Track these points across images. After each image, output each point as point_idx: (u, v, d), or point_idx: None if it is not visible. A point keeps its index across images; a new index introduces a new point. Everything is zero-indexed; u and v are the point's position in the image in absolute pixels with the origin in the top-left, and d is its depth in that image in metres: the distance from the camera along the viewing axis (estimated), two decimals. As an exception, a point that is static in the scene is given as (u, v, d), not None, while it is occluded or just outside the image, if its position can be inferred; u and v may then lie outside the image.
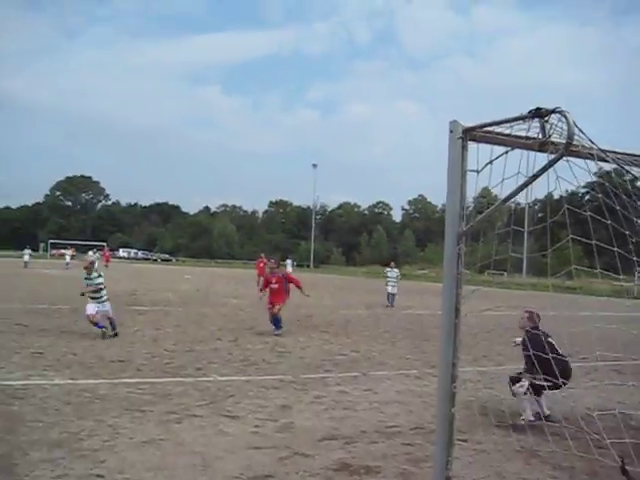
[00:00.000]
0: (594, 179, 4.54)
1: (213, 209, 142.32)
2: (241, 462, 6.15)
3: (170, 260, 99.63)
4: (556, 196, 5.43)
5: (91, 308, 13.96)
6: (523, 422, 7.78)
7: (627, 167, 3.95)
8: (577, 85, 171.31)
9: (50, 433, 6.77)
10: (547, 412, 8.20)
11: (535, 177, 3.43)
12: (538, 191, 3.72)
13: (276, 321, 15.82)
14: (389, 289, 27.75)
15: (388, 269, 29.41)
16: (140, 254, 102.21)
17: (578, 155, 3.51)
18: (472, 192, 4.01)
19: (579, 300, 31.24)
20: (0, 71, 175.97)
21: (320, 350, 13.58)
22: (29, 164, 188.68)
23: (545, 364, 6.85)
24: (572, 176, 3.64)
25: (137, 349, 12.34)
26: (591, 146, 3.49)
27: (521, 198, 3.78)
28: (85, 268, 14.52)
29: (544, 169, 3.37)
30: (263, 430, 7.31)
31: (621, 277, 4.75)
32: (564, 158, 3.39)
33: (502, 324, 19.62)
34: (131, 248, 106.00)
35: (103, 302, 14.14)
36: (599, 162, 3.59)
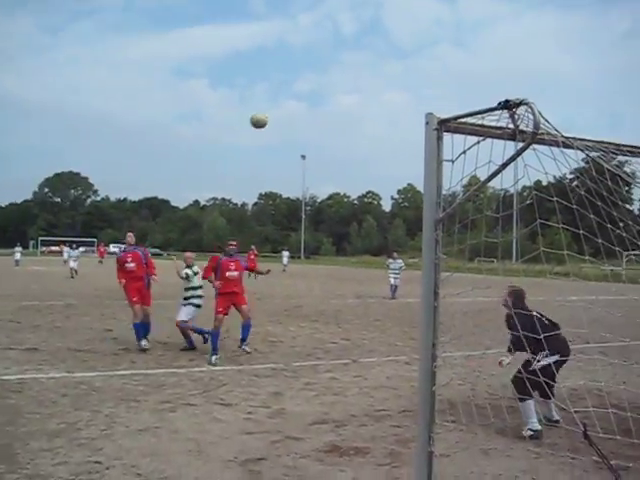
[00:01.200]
0: (582, 165, 4.71)
1: (203, 202, 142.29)
2: (234, 447, 6.36)
3: (161, 254, 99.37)
4: (545, 182, 5.57)
5: (185, 313, 12.11)
6: (528, 434, 6.91)
7: (595, 153, 4.15)
8: (563, 71, 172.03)
9: (48, 424, 6.96)
10: (557, 416, 7.33)
11: (505, 166, 3.62)
12: (524, 179, 3.89)
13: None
14: (392, 280, 26.13)
15: (390, 260, 27.59)
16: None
17: (544, 143, 3.71)
18: (448, 181, 4.19)
19: (568, 285, 31.59)
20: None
21: (311, 339, 13.80)
22: (17, 161, 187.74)
23: (536, 340, 5.98)
24: (558, 162, 3.85)
25: (131, 342, 12.50)
26: (556, 134, 3.69)
27: (510, 186, 3.97)
28: (188, 265, 12.57)
29: (512, 158, 3.57)
30: (255, 416, 7.52)
31: (605, 264, 4.95)
32: (532, 147, 3.59)
33: (495, 309, 19.82)
34: (122, 243, 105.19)
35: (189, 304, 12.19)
36: (564, 149, 3.79)
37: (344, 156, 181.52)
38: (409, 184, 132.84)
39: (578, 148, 3.92)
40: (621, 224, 4.64)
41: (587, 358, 11.65)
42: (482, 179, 3.88)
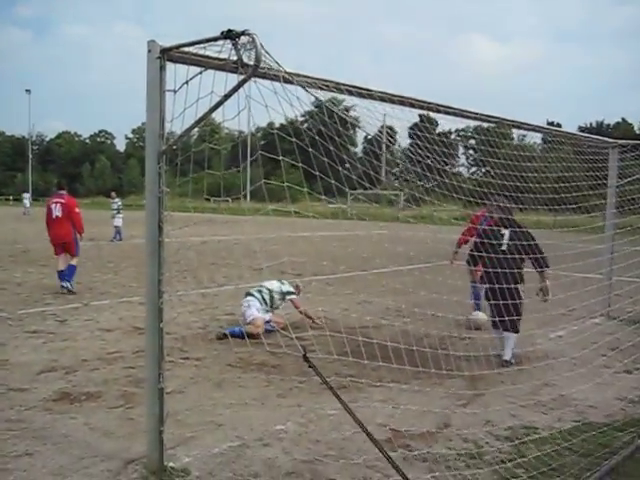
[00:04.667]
0: (312, 108, 4.81)
1: None
2: (-54, 407, 5.82)
3: None
4: (277, 124, 5.64)
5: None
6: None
7: (314, 90, 4.27)
8: (292, 14, 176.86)
9: None
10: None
11: (227, 97, 3.59)
12: (259, 120, 3.89)
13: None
14: (115, 222, 25.24)
15: (110, 200, 26.67)
16: None
17: (266, 77, 3.74)
18: (171, 112, 4.07)
19: (300, 222, 33.17)
20: None
21: (39, 284, 13.00)
22: None
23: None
24: (281, 98, 3.88)
25: None
26: (278, 68, 3.73)
27: (244, 126, 3.95)
28: None
29: (234, 89, 3.55)
30: (-27, 372, 6.93)
31: (333, 202, 5.17)
32: (253, 80, 3.60)
33: (229, 248, 20.22)
34: None
35: None
36: (285, 84, 3.85)
37: (74, 92, 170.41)
38: (144, 123, 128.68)
39: (299, 84, 4.01)
40: (347, 165, 4.89)
41: (318, 289, 12.41)
42: (217, 116, 3.84)
